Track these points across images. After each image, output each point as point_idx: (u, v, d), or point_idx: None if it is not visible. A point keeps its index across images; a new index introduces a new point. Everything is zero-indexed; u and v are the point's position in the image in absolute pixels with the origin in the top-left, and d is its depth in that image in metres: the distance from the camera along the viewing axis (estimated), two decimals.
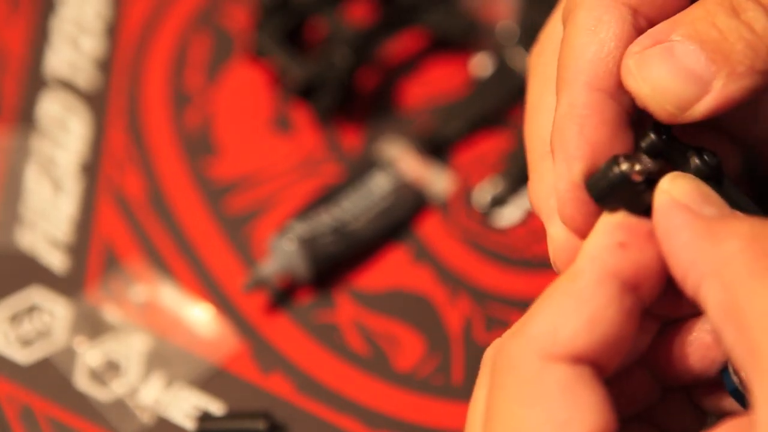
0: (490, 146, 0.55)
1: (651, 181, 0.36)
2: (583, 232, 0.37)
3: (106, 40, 0.59)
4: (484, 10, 0.58)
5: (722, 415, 0.37)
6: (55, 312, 0.51)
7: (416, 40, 0.58)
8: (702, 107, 0.35)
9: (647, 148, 0.36)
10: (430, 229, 0.53)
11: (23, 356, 0.50)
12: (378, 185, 0.53)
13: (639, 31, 0.37)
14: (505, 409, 0.34)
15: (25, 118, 0.57)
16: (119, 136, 0.56)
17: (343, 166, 0.55)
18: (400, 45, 0.58)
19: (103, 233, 0.53)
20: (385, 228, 0.53)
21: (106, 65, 0.58)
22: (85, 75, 0.58)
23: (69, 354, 0.50)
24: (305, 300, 0.52)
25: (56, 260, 0.53)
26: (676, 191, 0.35)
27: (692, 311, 0.36)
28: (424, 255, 0.53)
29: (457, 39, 0.58)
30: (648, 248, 0.35)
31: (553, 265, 0.38)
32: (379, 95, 0.57)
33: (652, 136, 0.36)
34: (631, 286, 0.35)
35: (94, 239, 0.53)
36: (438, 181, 0.54)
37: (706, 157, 0.36)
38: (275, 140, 0.56)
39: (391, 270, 0.52)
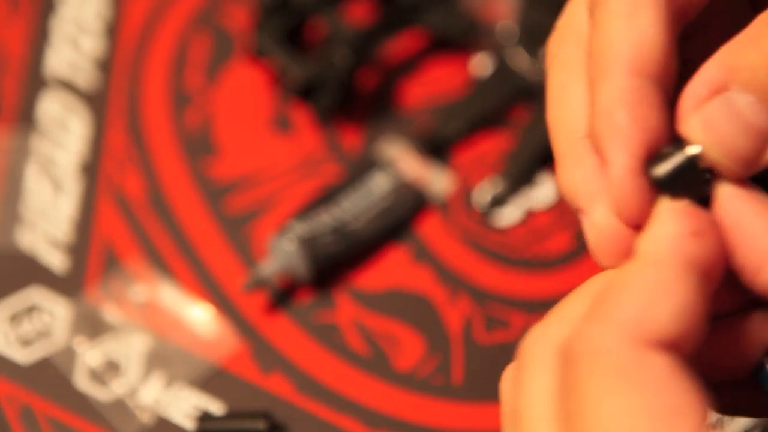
0: (490, 146, 0.55)
1: (710, 170, 0.35)
2: (634, 220, 0.36)
3: (106, 40, 0.59)
4: (484, 10, 0.58)
5: (736, 415, 0.37)
6: (55, 312, 0.51)
7: (416, 40, 0.58)
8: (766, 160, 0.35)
9: None
10: (430, 229, 0.53)
11: (23, 356, 0.50)
12: (378, 185, 0.53)
13: (675, 15, 0.36)
14: (598, 398, 0.32)
15: (25, 118, 0.57)
16: (119, 136, 0.56)
17: (343, 166, 0.55)
18: (400, 45, 0.58)
19: (103, 233, 0.53)
20: (385, 228, 0.53)
21: (106, 65, 0.58)
22: (85, 75, 0.58)
23: (69, 354, 0.50)
24: (305, 300, 0.52)
25: (56, 260, 0.53)
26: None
27: (730, 308, 0.36)
28: (424, 255, 0.53)
29: (457, 39, 0.58)
30: (716, 239, 0.35)
31: (593, 252, 0.37)
32: (379, 95, 0.57)
33: None
34: (707, 277, 0.34)
35: (94, 239, 0.53)
36: (438, 181, 0.54)
37: None
38: (275, 140, 0.56)
39: (391, 270, 0.52)
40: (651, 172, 0.35)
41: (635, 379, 0.32)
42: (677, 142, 0.35)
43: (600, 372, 0.32)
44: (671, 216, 0.35)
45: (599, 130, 0.36)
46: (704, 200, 0.35)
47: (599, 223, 0.37)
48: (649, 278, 0.34)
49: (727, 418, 0.36)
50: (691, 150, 0.35)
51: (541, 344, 0.35)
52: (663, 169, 0.35)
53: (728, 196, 0.35)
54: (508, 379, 0.37)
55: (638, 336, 0.33)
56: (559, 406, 0.33)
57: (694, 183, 0.35)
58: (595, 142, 0.36)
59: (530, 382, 0.34)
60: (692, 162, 0.35)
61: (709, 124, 0.35)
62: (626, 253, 0.36)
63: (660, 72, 0.36)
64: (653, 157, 0.35)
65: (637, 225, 0.36)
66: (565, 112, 0.39)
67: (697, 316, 0.33)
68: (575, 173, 0.38)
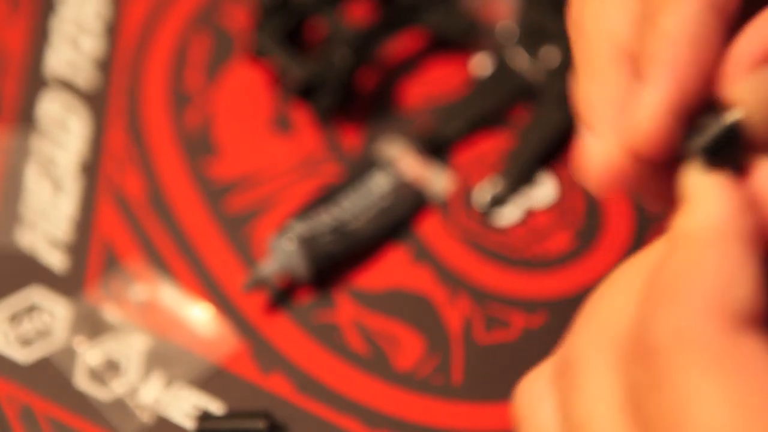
0: (490, 146, 0.55)
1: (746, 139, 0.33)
2: (649, 156, 0.34)
3: (106, 40, 0.59)
4: (484, 10, 0.58)
5: None
6: (54, 312, 0.51)
7: (416, 40, 0.58)
8: None
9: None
10: (430, 228, 0.53)
11: (23, 356, 0.50)
12: (378, 185, 0.53)
13: None
14: (694, 392, 0.29)
15: (25, 118, 0.57)
16: (119, 136, 0.56)
17: (343, 166, 0.55)
18: (400, 45, 0.58)
19: (103, 233, 0.53)
20: (384, 228, 0.53)
21: (106, 65, 0.58)
22: (85, 75, 0.58)
23: (69, 354, 0.50)
24: (305, 300, 0.52)
25: (56, 260, 0.53)
26: None
27: None
28: (424, 255, 0.53)
29: (457, 39, 0.58)
30: (761, 213, 0.32)
31: (584, 172, 0.35)
32: (379, 95, 0.57)
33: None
34: (763, 249, 0.32)
35: (94, 239, 0.53)
36: (438, 180, 0.54)
37: None
38: (275, 140, 0.56)
39: (391, 270, 0.52)
40: (691, 144, 0.34)
41: (734, 366, 0.29)
42: (712, 110, 0.34)
43: (691, 363, 0.29)
44: (722, 190, 0.33)
45: (656, 53, 0.34)
46: (736, 171, 0.33)
47: (602, 151, 0.35)
48: (718, 255, 0.31)
49: None
50: (733, 116, 0.33)
51: (593, 343, 0.32)
52: (703, 139, 0.33)
53: (766, 167, 0.33)
54: (528, 392, 0.34)
55: (725, 316, 0.30)
56: (633, 411, 0.30)
57: (734, 153, 0.33)
58: (642, 64, 0.34)
59: (587, 389, 0.31)
60: (734, 131, 0.33)
61: (762, 92, 0.33)
62: (616, 185, 0.34)
63: (730, 8, 0.33)
64: (690, 128, 0.34)
65: (647, 160, 0.34)
66: (602, 20, 0.36)
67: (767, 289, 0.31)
68: (595, 87, 0.35)
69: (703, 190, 0.33)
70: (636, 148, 0.34)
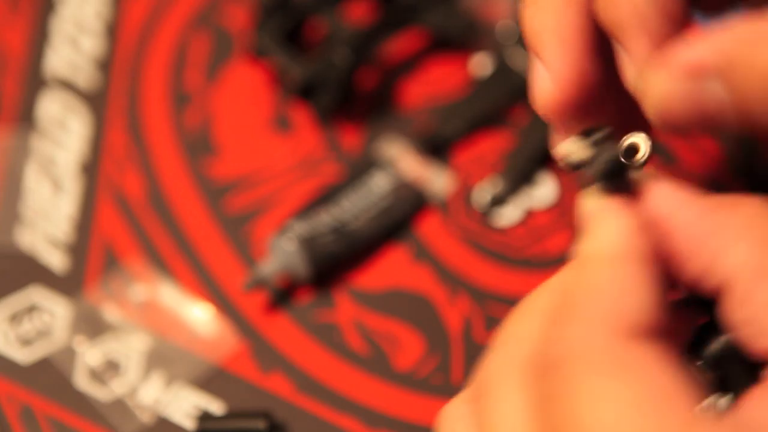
0: (490, 146, 0.55)
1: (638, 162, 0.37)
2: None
3: (106, 40, 0.59)
4: (484, 10, 0.58)
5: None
6: (54, 311, 0.51)
7: (416, 40, 0.58)
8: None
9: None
10: (430, 228, 0.53)
11: (23, 356, 0.50)
12: (378, 185, 0.53)
13: None
14: (589, 396, 0.31)
15: (25, 118, 0.57)
16: (119, 135, 0.56)
17: (343, 165, 0.55)
18: (400, 45, 0.58)
19: (103, 233, 0.53)
20: (384, 227, 0.53)
21: (105, 65, 0.58)
22: (85, 75, 0.58)
23: (69, 353, 0.50)
24: (305, 300, 0.52)
25: (56, 260, 0.53)
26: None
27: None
28: (424, 254, 0.53)
29: (457, 39, 0.58)
30: (655, 232, 0.35)
31: (534, 97, 0.38)
32: (379, 95, 0.57)
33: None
34: (657, 266, 0.34)
35: (94, 239, 0.53)
36: (438, 180, 0.54)
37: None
38: (275, 140, 0.56)
39: (391, 269, 0.52)
40: (586, 173, 0.36)
41: (624, 369, 0.32)
42: (608, 139, 0.36)
43: (588, 370, 0.32)
44: (617, 213, 0.35)
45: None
46: (631, 193, 0.36)
47: (551, 73, 0.38)
48: (614, 274, 0.34)
49: (723, 399, 0.35)
50: (624, 144, 0.36)
51: (503, 367, 0.34)
52: (596, 168, 0.36)
53: (660, 188, 0.35)
54: (449, 417, 0.36)
55: (618, 328, 0.33)
56: (541, 421, 0.32)
57: (626, 178, 0.36)
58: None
59: (498, 408, 0.33)
60: (618, 160, 0.36)
61: (667, 100, 0.35)
62: (563, 111, 0.38)
63: None
64: (582, 161, 0.36)
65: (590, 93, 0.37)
66: None
67: (664, 302, 0.34)
68: (544, 15, 0.38)
69: (600, 216, 0.36)
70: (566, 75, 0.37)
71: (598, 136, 0.37)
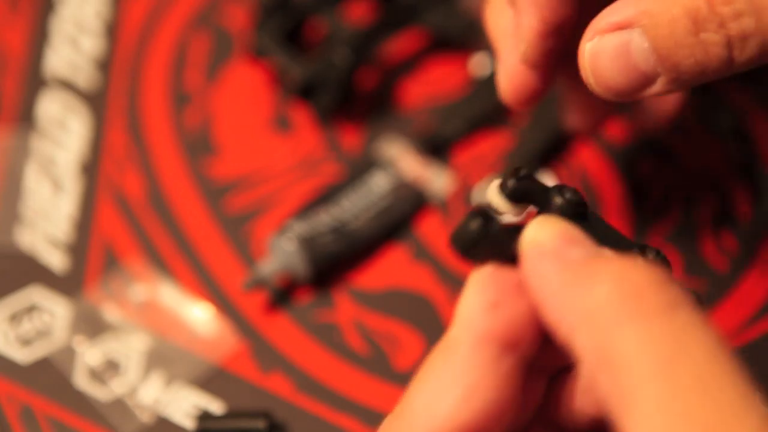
0: (490, 146, 0.56)
1: (518, 227, 0.35)
2: (535, 70, 0.42)
3: (105, 40, 0.59)
4: (483, 10, 0.58)
5: None
6: (54, 311, 0.51)
7: (416, 40, 0.58)
8: (638, 97, 0.38)
9: (509, 192, 0.36)
10: (430, 228, 0.53)
11: (23, 356, 0.50)
12: (378, 185, 0.53)
13: None
14: None
15: (25, 118, 0.57)
16: (119, 135, 0.56)
17: (343, 165, 0.55)
18: (400, 45, 0.58)
19: (103, 233, 0.53)
20: (384, 227, 0.53)
21: (105, 65, 0.58)
22: (84, 75, 0.58)
23: (69, 353, 0.50)
24: (305, 299, 0.52)
25: (56, 260, 0.53)
26: (541, 237, 0.34)
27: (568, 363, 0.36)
28: (424, 254, 0.53)
29: (457, 39, 0.58)
30: (521, 302, 0.34)
31: (499, 89, 0.44)
32: (379, 95, 0.57)
33: (513, 180, 0.36)
34: (510, 346, 0.34)
35: (93, 239, 0.53)
36: (437, 180, 0.54)
37: (567, 195, 0.36)
38: (275, 140, 0.56)
39: (391, 269, 0.52)
40: (452, 242, 0.35)
41: None
42: (473, 212, 0.35)
43: None
44: (472, 289, 0.35)
45: None
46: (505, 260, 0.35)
47: (507, 65, 0.43)
48: (441, 364, 0.34)
49: None
50: (478, 220, 0.35)
51: None
52: (461, 238, 0.35)
53: (529, 256, 0.34)
54: None
55: (426, 431, 0.33)
56: None
57: (497, 245, 0.35)
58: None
59: None
60: (483, 230, 0.35)
61: (596, 56, 0.38)
62: (521, 96, 0.43)
63: None
64: (456, 228, 0.35)
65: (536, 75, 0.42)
66: None
67: (495, 392, 0.34)
68: (499, 21, 0.44)
69: (466, 291, 0.35)
70: (526, 62, 0.42)
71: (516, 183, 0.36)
